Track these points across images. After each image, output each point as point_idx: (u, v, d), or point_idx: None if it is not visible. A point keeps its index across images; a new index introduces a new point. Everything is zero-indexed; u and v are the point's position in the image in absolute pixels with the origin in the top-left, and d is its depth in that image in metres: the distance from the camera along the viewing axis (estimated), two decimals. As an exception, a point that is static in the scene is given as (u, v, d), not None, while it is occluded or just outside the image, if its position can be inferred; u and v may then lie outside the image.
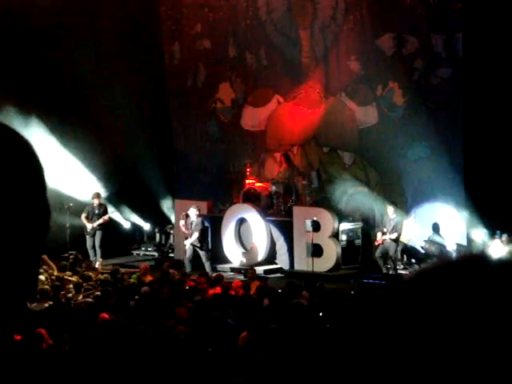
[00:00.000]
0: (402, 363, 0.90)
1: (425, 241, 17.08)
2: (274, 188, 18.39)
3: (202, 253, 17.47)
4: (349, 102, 19.10)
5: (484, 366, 0.87)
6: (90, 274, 14.68)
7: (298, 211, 17.67)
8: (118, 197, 20.35)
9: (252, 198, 18.52)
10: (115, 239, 19.17)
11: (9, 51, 18.67)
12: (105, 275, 14.36)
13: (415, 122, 17.89)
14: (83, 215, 18.35)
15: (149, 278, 14.35)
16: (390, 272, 16.64)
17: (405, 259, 17.46)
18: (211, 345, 8.68)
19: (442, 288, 0.92)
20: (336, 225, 17.34)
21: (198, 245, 17.42)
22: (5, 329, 1.22)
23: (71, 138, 19.26)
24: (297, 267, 17.59)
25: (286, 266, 17.84)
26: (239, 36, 20.42)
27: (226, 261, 18.22)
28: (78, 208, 18.64)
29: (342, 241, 17.48)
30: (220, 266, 17.84)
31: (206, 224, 18.05)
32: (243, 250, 18.16)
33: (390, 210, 16.95)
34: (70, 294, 12.50)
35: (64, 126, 19.23)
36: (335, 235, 17.34)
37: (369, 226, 18.04)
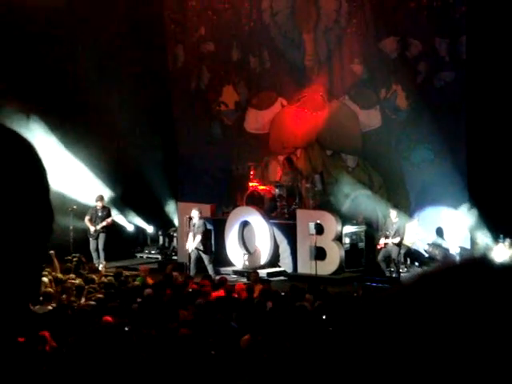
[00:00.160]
0: (404, 366, 0.90)
1: (428, 244, 17.07)
2: (277, 191, 18.39)
3: (204, 256, 17.46)
4: (352, 105, 19.11)
5: (486, 368, 0.87)
6: (94, 276, 14.66)
7: (301, 214, 17.66)
8: (122, 199, 20.36)
9: (255, 201, 18.51)
10: (119, 242, 19.20)
11: (9, 51, 18.66)
12: (108, 278, 14.35)
13: (419, 125, 17.88)
14: (87, 218, 18.37)
15: (149, 281, 14.35)
16: (394, 275, 16.61)
17: (408, 262, 17.44)
18: (214, 347, 8.68)
19: (445, 291, 0.92)
20: (339, 228, 17.33)
21: (202, 248, 17.40)
22: (8, 331, 1.22)
23: (73, 140, 19.24)
24: (300, 270, 17.58)
25: (290, 269, 17.83)
26: (243, 39, 20.43)
27: (230, 263, 18.22)
28: (82, 210, 18.65)
29: (345, 244, 17.46)
30: (223, 269, 17.84)
31: (208, 226, 18.05)
32: (246, 253, 18.15)
33: (393, 213, 16.93)
34: (73, 298, 12.50)
35: (66, 128, 19.21)
36: (338, 238, 17.33)
37: (372, 229, 18.02)
